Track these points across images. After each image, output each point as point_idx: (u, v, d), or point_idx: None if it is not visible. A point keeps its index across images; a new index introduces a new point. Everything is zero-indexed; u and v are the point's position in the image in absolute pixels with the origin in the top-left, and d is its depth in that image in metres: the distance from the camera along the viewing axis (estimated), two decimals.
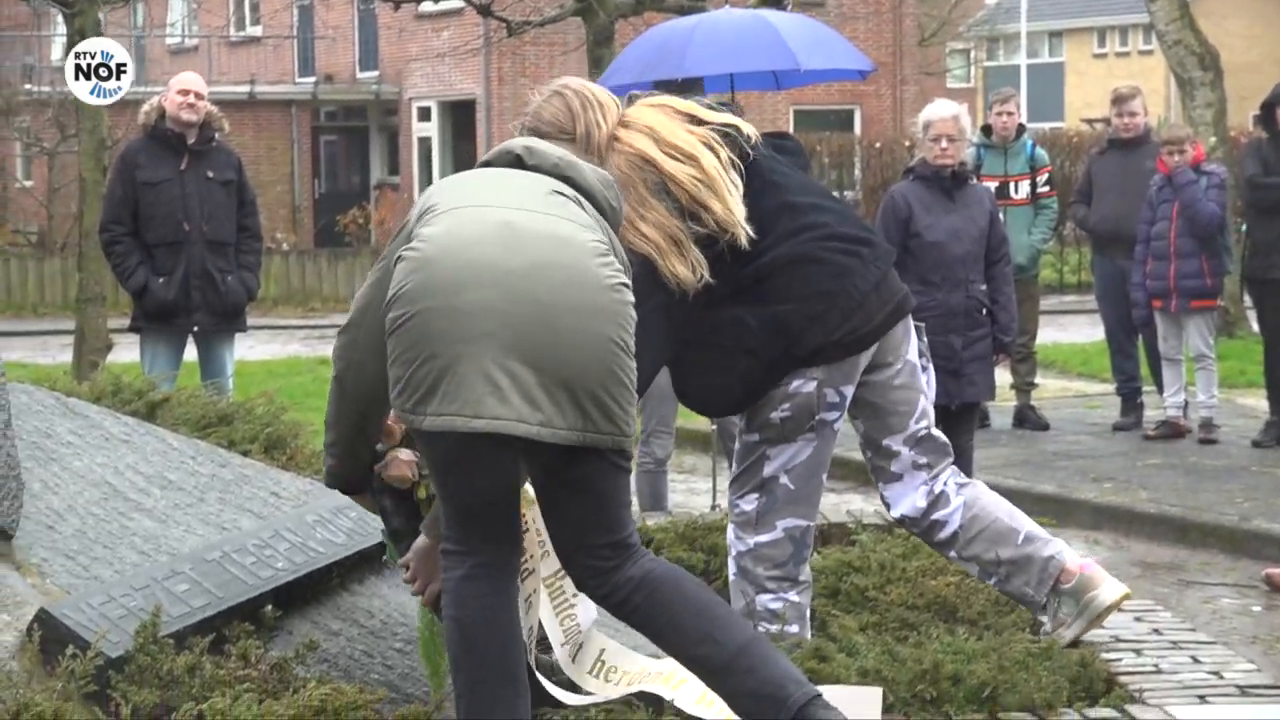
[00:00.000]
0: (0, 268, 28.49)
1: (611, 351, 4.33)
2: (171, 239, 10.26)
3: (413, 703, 4.87)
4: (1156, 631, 6.08)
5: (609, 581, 4.49)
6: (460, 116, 37.92)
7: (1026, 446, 12.48)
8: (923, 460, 5.77)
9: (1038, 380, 13.80)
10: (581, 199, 4.53)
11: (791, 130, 33.98)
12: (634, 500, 8.12)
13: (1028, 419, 13.23)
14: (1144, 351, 13.04)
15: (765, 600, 5.60)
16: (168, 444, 6.28)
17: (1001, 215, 9.87)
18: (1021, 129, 13.06)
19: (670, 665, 4.79)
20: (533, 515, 4.81)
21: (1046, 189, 13.01)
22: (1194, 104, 18.53)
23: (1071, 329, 20.61)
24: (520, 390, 4.24)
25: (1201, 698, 5.35)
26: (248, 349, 17.23)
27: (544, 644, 5.00)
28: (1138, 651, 5.80)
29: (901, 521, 5.90)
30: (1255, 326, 14.88)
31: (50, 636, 4.73)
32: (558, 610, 5.05)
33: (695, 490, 11.31)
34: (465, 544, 4.44)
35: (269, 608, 5.15)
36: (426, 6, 35.19)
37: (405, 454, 4.90)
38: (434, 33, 36.77)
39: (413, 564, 4.87)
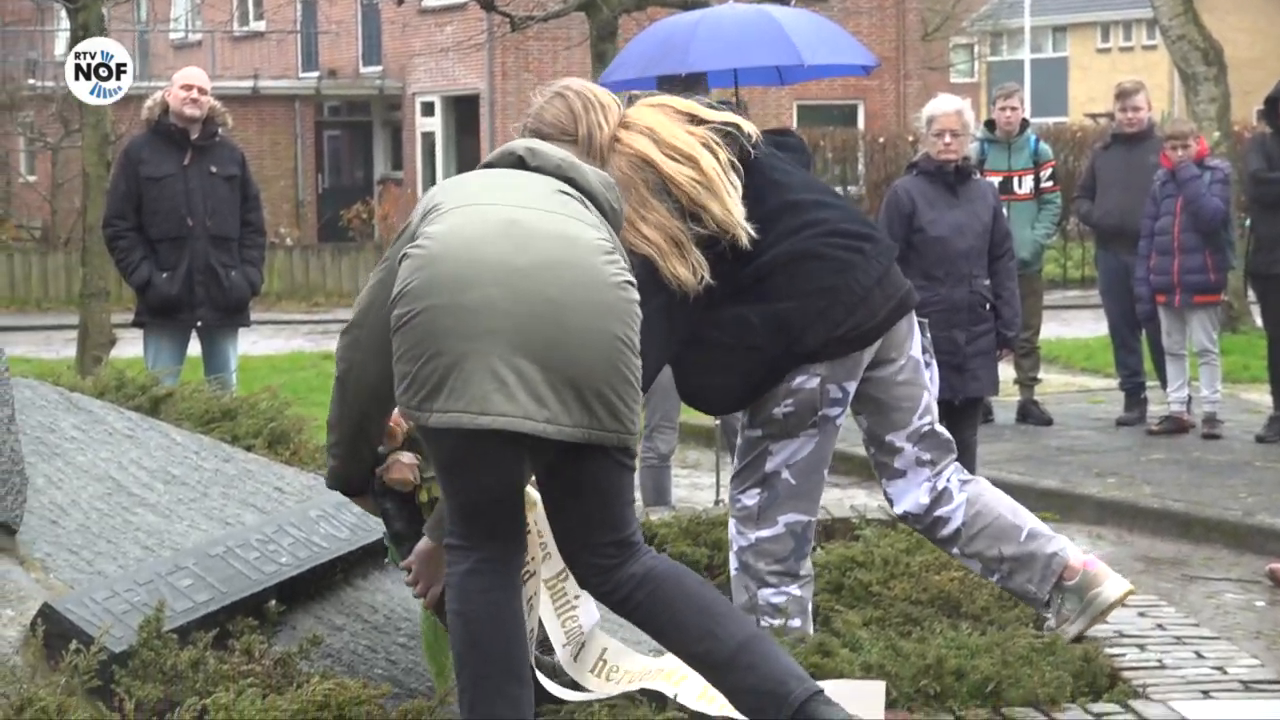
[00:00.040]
0: (4, 263, 28.51)
1: (618, 349, 4.34)
2: (175, 234, 10.27)
3: (416, 698, 4.87)
4: (1160, 627, 6.07)
5: (612, 579, 4.49)
6: (464, 111, 37.92)
7: (1030, 442, 12.47)
8: (926, 457, 5.77)
9: (1041, 375, 13.79)
10: (585, 200, 4.54)
11: (795, 125, 34.00)
12: (637, 495, 8.13)
13: (1031, 414, 13.23)
14: (1147, 346, 13.03)
15: (767, 595, 5.60)
16: (171, 439, 6.29)
17: (1005, 210, 9.88)
18: (1025, 124, 13.06)
19: (671, 662, 4.79)
20: (534, 517, 4.80)
21: (1050, 184, 13.00)
22: (1198, 99, 18.53)
23: (1075, 324, 20.61)
24: (527, 387, 4.24)
25: (1205, 693, 5.35)
26: (251, 344, 17.22)
27: (545, 645, 5.00)
28: (1141, 647, 5.80)
29: (904, 518, 5.90)
30: (1259, 321, 14.87)
31: (54, 631, 4.73)
32: (559, 612, 5.05)
33: (699, 485, 11.31)
34: (469, 540, 4.44)
35: (272, 603, 5.16)
36: (430, 1, 35.20)
37: (407, 457, 4.90)
38: (437, 27, 36.77)
39: (415, 567, 4.86)
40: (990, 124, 13.03)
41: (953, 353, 8.90)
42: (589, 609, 5.09)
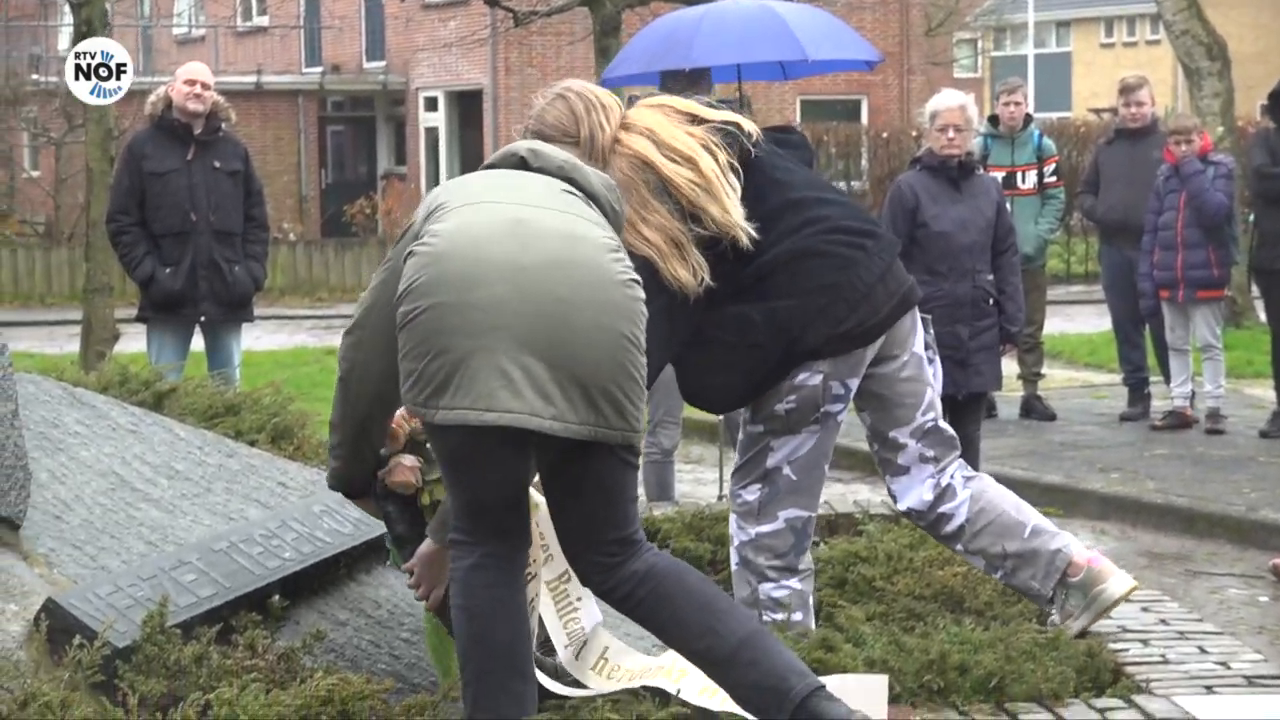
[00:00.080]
0: (8, 258, 28.50)
1: (624, 347, 4.34)
2: (178, 229, 10.27)
3: (420, 693, 4.87)
4: (1163, 622, 6.08)
5: (614, 576, 4.50)
6: (467, 106, 37.91)
7: (1033, 437, 12.48)
8: (930, 453, 5.77)
9: (1044, 370, 13.79)
10: (588, 200, 4.54)
11: (798, 120, 34.03)
12: (641, 491, 8.13)
13: (1034, 409, 13.23)
14: (1151, 342, 13.03)
15: (768, 589, 5.61)
16: (175, 434, 6.29)
17: (1008, 205, 9.87)
18: (1029, 119, 13.06)
19: (672, 659, 4.79)
20: (535, 519, 4.81)
21: (1053, 179, 13.00)
22: (1201, 94, 18.51)
23: (1078, 319, 20.61)
24: (533, 384, 4.24)
25: (1208, 688, 5.35)
26: (254, 339, 17.21)
27: (546, 646, 5.00)
28: (1145, 642, 5.80)
29: (908, 514, 5.90)
30: (1262, 316, 14.85)
31: (57, 626, 4.73)
32: (561, 614, 5.06)
33: (702, 480, 11.31)
34: (474, 535, 4.44)
35: (276, 598, 5.16)
36: None
37: (409, 460, 4.90)
38: (441, 22, 36.77)
39: (417, 569, 4.86)
40: (994, 119, 13.03)
41: (956, 348, 8.90)
42: (591, 610, 5.09)
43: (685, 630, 4.48)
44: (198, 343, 10.58)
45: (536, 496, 4.72)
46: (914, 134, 27.94)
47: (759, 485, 5.60)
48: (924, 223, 9.14)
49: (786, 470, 5.56)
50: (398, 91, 39.78)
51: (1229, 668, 5.56)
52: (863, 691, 4.71)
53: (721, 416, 9.30)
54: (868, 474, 10.68)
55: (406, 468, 4.89)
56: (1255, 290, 14.86)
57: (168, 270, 10.23)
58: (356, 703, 4.59)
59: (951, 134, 9.15)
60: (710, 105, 5.49)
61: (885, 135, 31.62)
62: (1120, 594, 5.74)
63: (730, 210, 5.26)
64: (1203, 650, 5.75)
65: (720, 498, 8.95)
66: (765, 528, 5.60)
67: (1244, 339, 16.63)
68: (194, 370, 9.77)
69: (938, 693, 5.13)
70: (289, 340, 21.48)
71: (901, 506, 5.87)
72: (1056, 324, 18.03)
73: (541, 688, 4.72)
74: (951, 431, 5.85)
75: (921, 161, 9.38)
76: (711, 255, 5.26)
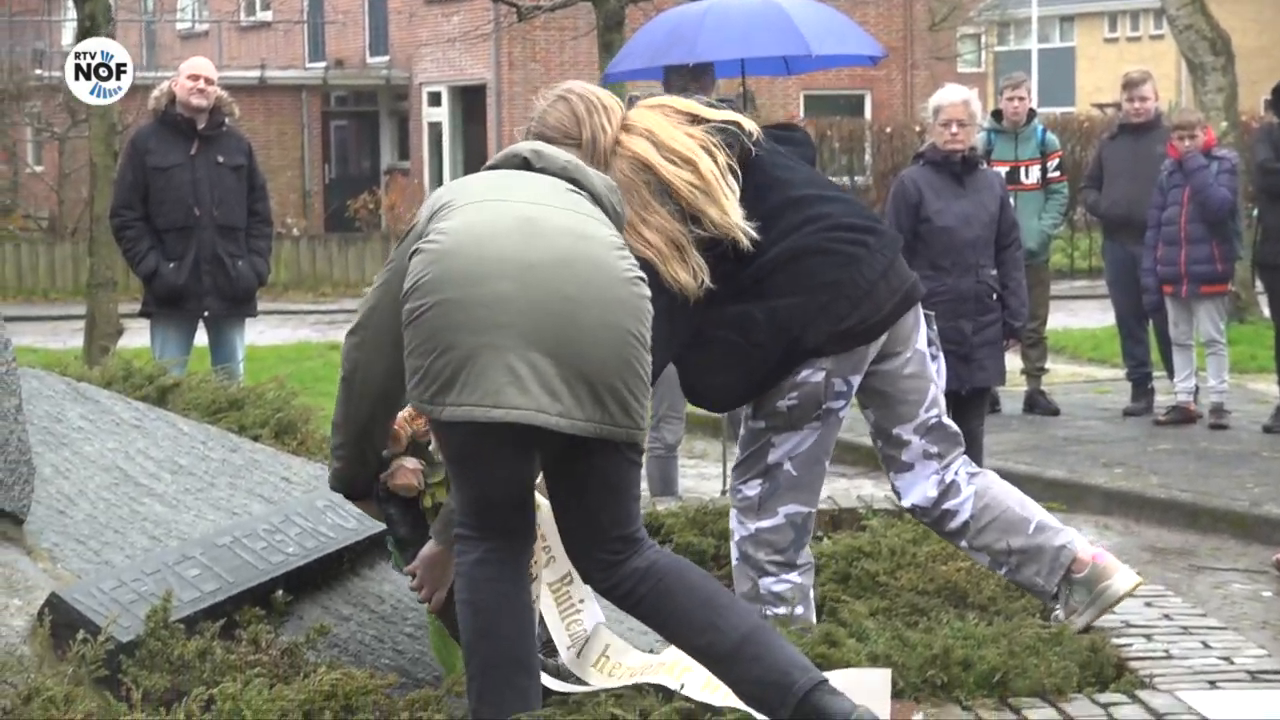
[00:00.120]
0: (11, 253, 28.52)
1: (630, 344, 4.34)
2: (182, 224, 10.27)
3: (423, 688, 4.87)
4: (1167, 617, 6.07)
5: (616, 574, 4.50)
6: (470, 101, 37.91)
7: (1037, 432, 12.48)
8: (934, 449, 5.77)
9: (1048, 365, 13.79)
10: (592, 200, 4.55)
11: (802, 115, 34.02)
12: (644, 485, 8.13)
13: (1038, 404, 13.23)
14: (1154, 337, 13.03)
15: (769, 583, 5.61)
16: (178, 429, 6.29)
17: (1012, 200, 9.87)
18: (1032, 114, 13.05)
19: (673, 655, 4.79)
20: (538, 520, 4.80)
21: (1057, 174, 13.00)
22: (1205, 89, 18.50)
23: (1082, 314, 20.61)
24: (540, 381, 4.24)
25: (1212, 683, 5.34)
26: (258, 334, 17.25)
27: (549, 647, 4.99)
28: (1148, 637, 5.80)
29: (912, 511, 5.90)
30: (1266, 312, 14.82)
31: (61, 621, 4.73)
32: (564, 616, 5.06)
33: (705, 475, 11.32)
34: (479, 531, 4.44)
35: (279, 593, 5.15)
36: None
37: (411, 462, 4.90)
38: (444, 17, 36.77)
39: (420, 572, 4.85)
40: (997, 114, 13.02)
41: (959, 343, 8.91)
42: (593, 611, 5.09)
43: (687, 626, 4.48)
44: (201, 338, 10.58)
45: (539, 498, 4.72)
46: (917, 129, 27.93)
47: (760, 480, 5.60)
48: (927, 218, 9.14)
49: (787, 466, 5.56)
50: (401, 86, 39.77)
51: (1232, 663, 5.56)
52: (866, 687, 4.71)
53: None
54: (871, 469, 10.69)
55: (409, 470, 4.89)
56: (1259, 285, 14.86)
57: (171, 265, 10.23)
58: (360, 697, 4.59)
59: (955, 129, 9.15)
60: (710, 104, 5.49)
61: (889, 130, 31.61)
62: (1125, 590, 5.74)
63: (729, 212, 5.26)
64: (1206, 645, 5.75)
65: (724, 493, 8.94)
66: (765, 523, 5.60)
67: (1247, 334, 16.62)
68: (197, 365, 9.78)
69: (941, 688, 5.12)
70: (292, 335, 21.50)
71: (906, 503, 5.86)
72: (1060, 319, 18.04)
73: (544, 687, 4.72)
74: (955, 428, 5.85)
75: (925, 156, 9.38)
76: (713, 255, 5.26)
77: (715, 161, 5.26)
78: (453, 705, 4.67)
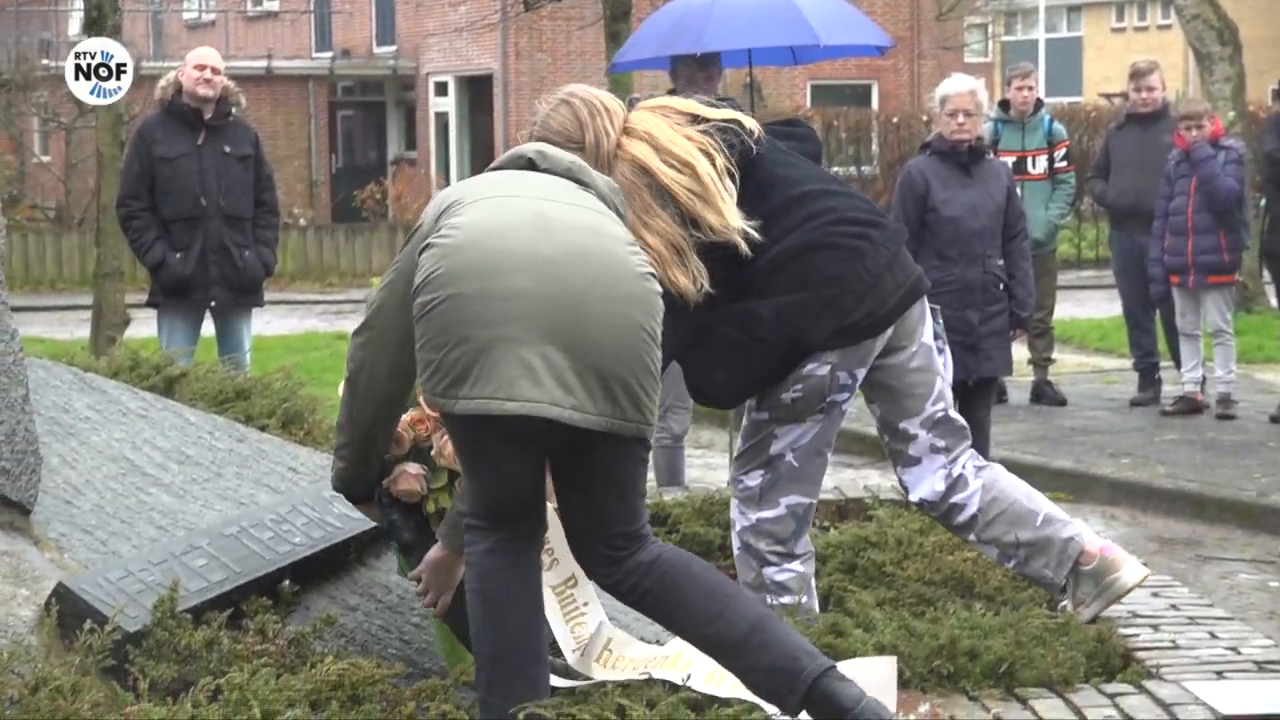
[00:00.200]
0: (18, 243, 28.50)
1: (642, 339, 4.34)
2: (189, 214, 10.27)
3: (430, 678, 4.87)
4: (1174, 607, 6.08)
5: (621, 569, 4.49)
6: (477, 91, 37.89)
7: (1044, 422, 12.47)
8: (941, 443, 5.76)
9: (1055, 356, 13.79)
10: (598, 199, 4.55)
11: (809, 105, 33.98)
12: (651, 476, 8.13)
13: (1045, 394, 13.23)
14: (1161, 327, 13.02)
15: (771, 573, 5.63)
16: (185, 419, 6.29)
17: (1019, 190, 9.86)
18: (1039, 104, 13.04)
19: (676, 648, 4.78)
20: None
21: (1064, 164, 12.99)
22: (1212, 79, 18.48)
23: (1089, 304, 20.59)
24: (553, 374, 4.24)
25: (1219, 673, 5.35)
26: (265, 324, 17.24)
27: (553, 649, 4.99)
28: (1155, 627, 5.81)
29: (920, 505, 5.90)
30: (1273, 302, 14.88)
31: (68, 611, 4.74)
32: (568, 618, 5.05)
33: (712, 465, 11.32)
34: (490, 521, 4.44)
35: (286, 583, 5.16)
36: None
37: (413, 468, 4.89)
38: (451, 7, 36.72)
39: (425, 576, 4.84)
40: (1004, 104, 13.02)
41: (966, 333, 8.90)
42: (596, 613, 5.09)
43: (694, 618, 4.47)
44: (208, 328, 10.59)
45: None
46: (924, 119, 27.90)
47: (761, 471, 5.61)
48: (934, 208, 9.13)
49: (789, 457, 5.57)
50: (408, 76, 39.75)
51: (1239, 653, 5.56)
52: (872, 676, 4.70)
53: None
54: (878, 459, 10.68)
55: (411, 475, 4.88)
56: (1266, 275, 14.86)
57: (178, 255, 10.23)
58: (367, 687, 4.59)
59: (962, 119, 9.14)
60: (711, 103, 5.48)
61: (896, 120, 31.58)
62: (1133, 583, 5.74)
63: (727, 216, 5.25)
64: (1213, 635, 5.75)
65: (730, 483, 8.95)
66: (766, 513, 5.61)
67: (1255, 324, 16.61)
68: (204, 355, 9.78)
69: (948, 678, 5.13)
70: (299, 325, 21.50)
71: (914, 498, 5.86)
72: (1067, 309, 18.02)
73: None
74: (962, 421, 5.85)
75: (932, 146, 9.38)
76: (717, 253, 5.25)
77: (713, 164, 5.25)
78: (459, 695, 4.68)
